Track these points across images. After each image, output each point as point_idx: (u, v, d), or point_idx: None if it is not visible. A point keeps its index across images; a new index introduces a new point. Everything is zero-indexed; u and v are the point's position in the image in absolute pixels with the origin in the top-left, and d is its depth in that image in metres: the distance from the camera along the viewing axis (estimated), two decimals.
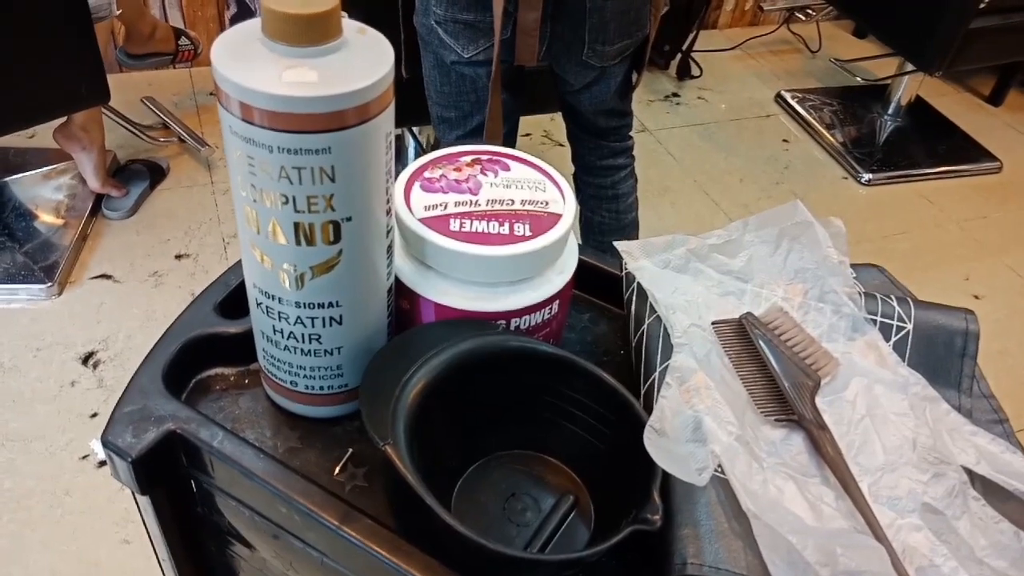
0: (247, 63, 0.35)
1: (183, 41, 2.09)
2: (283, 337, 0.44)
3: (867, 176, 2.17)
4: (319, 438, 0.47)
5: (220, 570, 0.56)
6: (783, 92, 2.44)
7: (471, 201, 0.47)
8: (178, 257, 1.73)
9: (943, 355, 0.49)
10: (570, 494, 0.45)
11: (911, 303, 0.51)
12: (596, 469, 0.45)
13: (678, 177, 2.11)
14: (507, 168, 0.49)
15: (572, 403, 0.46)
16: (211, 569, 0.56)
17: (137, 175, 1.90)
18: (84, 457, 1.36)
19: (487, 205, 0.46)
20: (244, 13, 1.89)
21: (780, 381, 0.46)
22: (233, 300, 0.52)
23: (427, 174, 0.48)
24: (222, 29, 2.26)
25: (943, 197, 2.16)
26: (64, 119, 1.71)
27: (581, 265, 0.50)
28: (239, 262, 0.53)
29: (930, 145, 2.33)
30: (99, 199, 1.84)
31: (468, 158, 0.50)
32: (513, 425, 0.47)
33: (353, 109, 0.35)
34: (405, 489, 0.38)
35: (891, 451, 0.44)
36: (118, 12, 1.67)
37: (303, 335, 0.43)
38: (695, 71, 2.47)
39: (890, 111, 2.40)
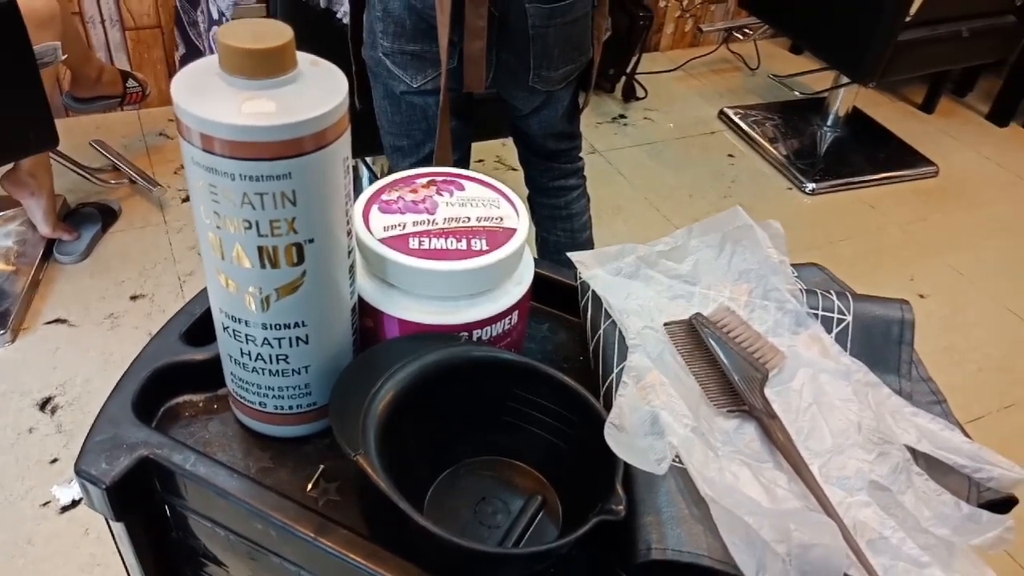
0: (207, 96, 0.37)
1: (130, 83, 2.08)
2: (251, 359, 0.45)
3: (811, 186, 2.23)
4: (290, 457, 0.49)
5: None
6: (726, 109, 2.51)
7: (428, 220, 0.48)
8: (133, 298, 1.72)
9: (882, 343, 0.52)
10: (538, 495, 0.47)
11: (850, 297, 0.54)
12: (561, 469, 0.47)
13: (629, 195, 2.15)
14: (462, 188, 0.51)
15: (535, 407, 0.47)
16: None
17: (88, 218, 1.89)
18: (45, 504, 1.34)
19: (444, 223, 0.48)
20: (193, 53, 1.89)
21: (730, 375, 0.49)
22: (199, 328, 0.53)
23: (384, 196, 0.50)
24: (169, 70, 2.26)
25: (884, 202, 2.24)
26: (11, 165, 1.69)
27: (538, 278, 0.52)
28: (202, 291, 0.55)
29: (869, 153, 2.41)
30: (50, 244, 1.82)
31: (424, 180, 0.52)
32: (480, 432, 0.48)
33: (311, 136, 0.37)
34: (378, 498, 0.40)
35: (838, 434, 0.47)
36: (64, 57, 1.67)
37: (271, 356, 0.45)
38: (640, 93, 2.53)
39: (829, 122, 2.48)
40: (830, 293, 0.54)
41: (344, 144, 0.39)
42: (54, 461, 1.41)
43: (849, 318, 0.53)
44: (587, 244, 1.45)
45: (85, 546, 1.28)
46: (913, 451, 0.47)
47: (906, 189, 2.30)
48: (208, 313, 0.53)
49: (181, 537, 0.50)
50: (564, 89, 1.22)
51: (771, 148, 2.36)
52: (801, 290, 0.54)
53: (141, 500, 0.47)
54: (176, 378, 0.51)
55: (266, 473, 0.47)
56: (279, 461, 0.48)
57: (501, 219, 0.49)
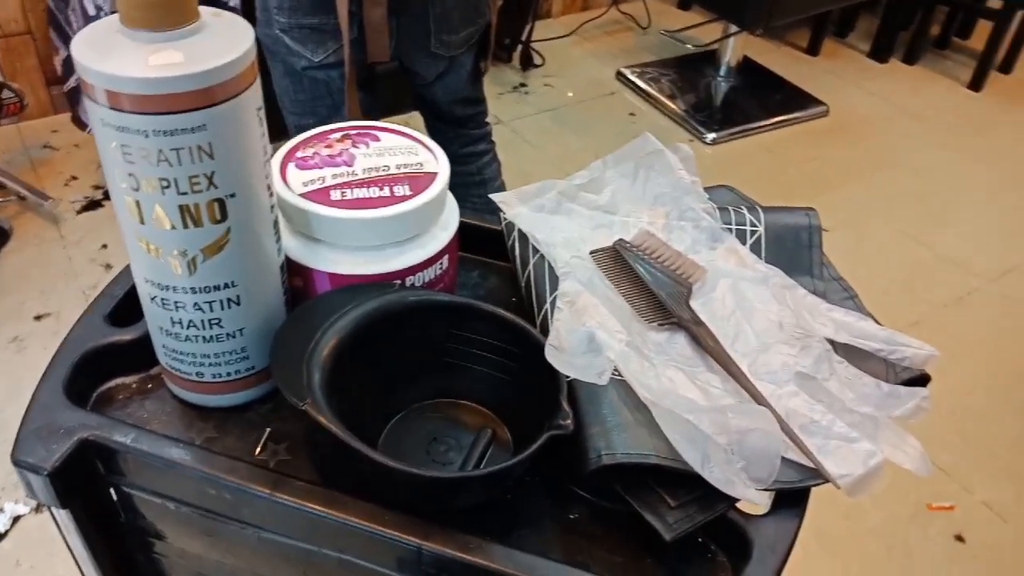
0: (111, 53, 0.36)
1: (6, 94, 1.98)
2: (183, 327, 0.44)
3: (711, 136, 2.30)
4: (234, 425, 0.48)
5: None
6: (622, 69, 2.55)
7: (348, 172, 0.48)
8: (38, 318, 1.65)
9: (793, 249, 0.55)
10: (487, 428, 0.48)
11: (760, 210, 0.57)
12: (507, 401, 0.48)
13: (538, 161, 2.17)
14: (377, 139, 0.51)
15: (476, 345, 0.48)
16: None
17: None
18: None
19: (364, 173, 0.48)
20: None
21: (658, 292, 0.51)
22: (123, 309, 0.52)
23: (299, 154, 0.50)
24: (47, 78, 2.16)
25: (781, 145, 2.32)
26: None
27: (463, 227, 0.53)
28: (122, 272, 0.54)
29: (762, 99, 2.49)
30: None
31: (338, 135, 0.51)
32: (424, 377, 0.49)
33: (222, 84, 0.37)
34: (332, 446, 0.40)
35: (762, 334, 0.49)
36: None
37: (203, 321, 0.44)
38: (537, 60, 2.55)
39: (722, 73, 2.55)
40: (741, 208, 0.57)
41: (256, 93, 0.39)
42: None
43: (761, 229, 0.55)
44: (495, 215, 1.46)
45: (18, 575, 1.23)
46: (832, 342, 0.50)
47: (800, 130, 2.39)
48: (131, 293, 0.52)
49: (130, 520, 0.49)
50: (466, 54, 1.22)
51: (670, 103, 2.42)
52: (714, 208, 0.56)
53: (85, 485, 0.46)
54: (105, 361, 0.50)
55: (211, 443, 0.47)
56: (223, 430, 0.48)
57: (421, 164, 0.50)
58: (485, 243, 0.60)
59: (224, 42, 0.37)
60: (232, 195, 0.40)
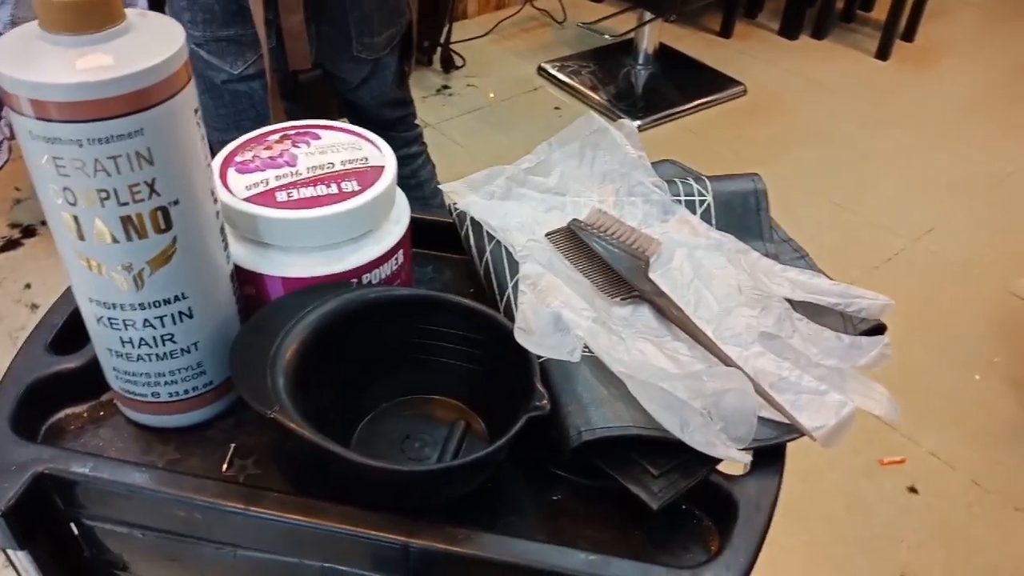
0: (33, 60, 0.34)
1: None
2: (133, 347, 0.43)
3: (635, 124, 2.32)
4: (196, 445, 0.46)
5: None
6: (543, 64, 2.56)
7: (292, 172, 0.47)
8: None
9: (742, 214, 0.55)
10: (461, 420, 0.47)
11: (706, 180, 0.57)
12: (479, 391, 0.48)
13: (468, 162, 2.16)
14: (317, 137, 0.50)
15: (441, 338, 0.47)
16: None
17: None
18: None
19: (309, 172, 0.47)
20: None
21: (616, 268, 0.51)
22: (64, 336, 0.49)
23: (238, 158, 0.48)
24: None
25: (704, 127, 2.36)
26: None
27: (416, 222, 0.52)
28: (59, 300, 0.51)
29: (682, 84, 2.53)
30: None
31: (276, 136, 0.50)
32: (391, 375, 0.48)
33: (156, 85, 0.35)
34: (304, 451, 0.39)
35: (722, 299, 0.49)
36: None
37: (155, 338, 0.42)
38: (458, 62, 2.54)
39: (641, 61, 2.58)
40: (688, 180, 0.57)
41: (192, 94, 0.38)
42: None
43: (709, 198, 0.56)
44: (441, 209, 1.45)
45: None
46: (791, 302, 0.50)
47: (721, 111, 2.44)
48: (71, 319, 0.50)
49: (95, 554, 0.47)
50: (389, 55, 1.21)
51: (593, 95, 2.44)
52: (662, 181, 0.56)
53: (43, 523, 0.43)
54: (52, 392, 0.47)
55: (175, 465, 0.45)
56: (186, 451, 0.46)
57: (366, 159, 0.48)
58: (435, 237, 0.59)
59: (154, 41, 0.36)
60: (175, 202, 0.38)
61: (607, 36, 2.67)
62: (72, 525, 0.45)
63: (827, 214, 2.05)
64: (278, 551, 0.43)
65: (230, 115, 1.14)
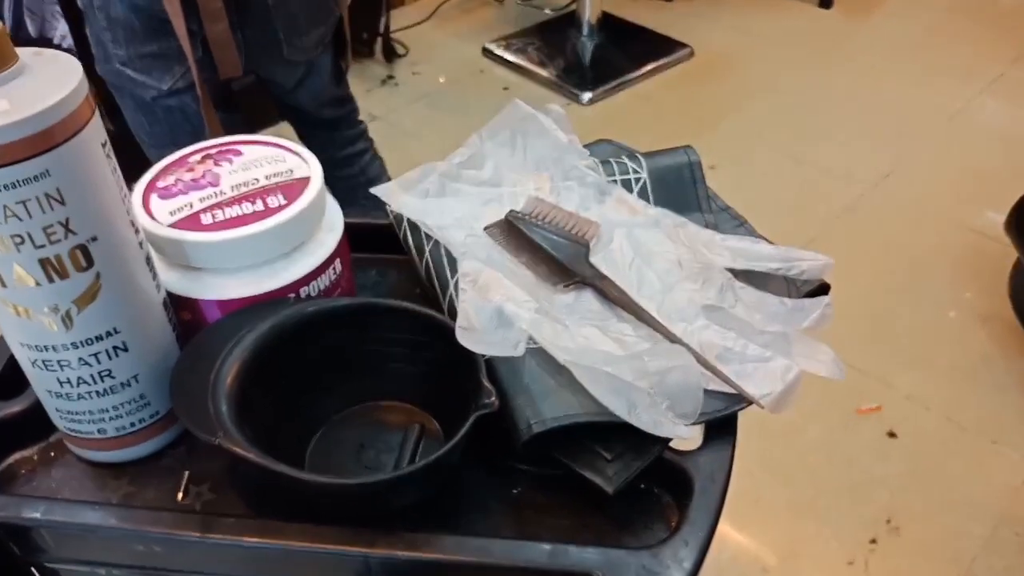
0: None
1: None
2: (72, 386, 0.42)
3: (587, 96, 2.32)
4: (150, 476, 0.46)
5: None
6: (487, 45, 2.54)
7: (215, 193, 0.46)
8: None
9: (678, 188, 0.55)
10: (415, 424, 0.47)
11: (640, 156, 0.57)
12: (430, 392, 0.47)
13: (421, 151, 2.15)
14: (240, 153, 0.49)
15: (385, 343, 0.47)
16: None
17: None
18: None
19: (233, 191, 0.46)
20: None
21: (556, 255, 0.50)
22: (5, 380, 0.48)
23: (160, 184, 0.47)
24: None
25: (656, 92, 2.36)
26: None
27: (351, 227, 0.51)
28: None
29: (629, 51, 2.52)
30: None
31: (197, 156, 0.49)
32: (341, 386, 0.48)
33: (58, 124, 0.35)
34: (256, 476, 0.39)
35: (664, 276, 0.50)
36: None
37: (92, 376, 0.42)
38: (401, 50, 2.51)
39: (585, 32, 2.57)
40: (622, 158, 0.57)
41: (97, 128, 0.37)
42: None
43: (644, 175, 0.56)
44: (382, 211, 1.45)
45: None
46: (732, 270, 0.50)
47: (671, 75, 2.44)
48: (10, 363, 0.49)
49: None
50: (323, 55, 1.19)
51: (541, 71, 2.43)
52: (596, 163, 0.56)
53: (3, 570, 0.43)
54: None
55: (130, 499, 0.45)
56: (140, 483, 0.46)
57: (291, 171, 0.48)
58: (377, 240, 0.59)
59: (51, 80, 0.35)
60: (94, 238, 0.38)
61: (547, 11, 2.65)
62: (32, 570, 0.45)
63: (783, 168, 2.06)
64: (242, 574, 0.42)
65: (165, 132, 1.12)
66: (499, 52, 2.51)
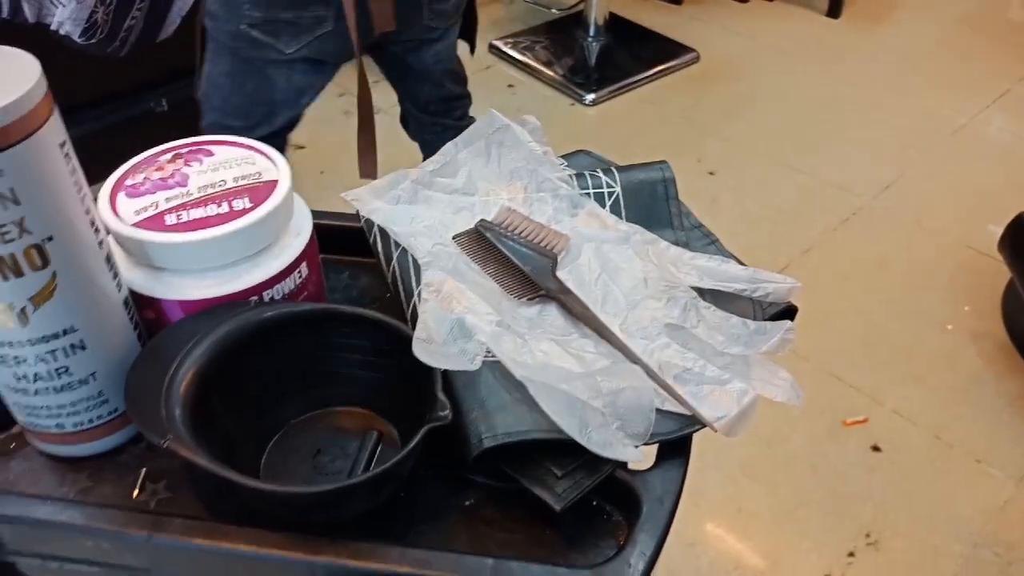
0: None
1: None
2: (29, 382, 0.42)
3: (590, 97, 2.32)
4: (108, 471, 0.46)
5: None
6: (495, 42, 2.54)
7: (182, 193, 0.46)
8: None
9: (651, 204, 0.55)
10: (372, 431, 0.47)
11: (615, 170, 0.57)
12: (389, 399, 0.48)
13: None
14: (210, 153, 0.49)
15: (345, 349, 0.47)
16: None
17: None
18: None
19: (199, 192, 0.46)
20: None
21: (523, 267, 0.50)
22: None
23: (129, 182, 0.47)
24: None
25: (660, 96, 2.36)
26: None
27: (324, 229, 0.51)
28: None
29: (635, 54, 2.52)
30: None
31: (168, 156, 0.49)
32: (299, 391, 0.48)
33: (13, 124, 0.35)
34: (209, 479, 0.39)
35: (629, 293, 0.50)
36: None
37: (49, 372, 0.42)
38: None
39: (592, 33, 2.56)
40: (597, 172, 0.57)
41: (55, 128, 0.37)
42: None
43: (618, 189, 0.56)
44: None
45: None
46: (699, 290, 0.50)
47: (676, 79, 2.43)
48: None
49: None
50: (456, 25, 1.25)
51: (546, 70, 2.42)
52: (570, 175, 0.56)
53: None
54: None
55: (87, 493, 0.45)
56: (98, 478, 0.46)
57: (259, 174, 0.48)
58: (350, 242, 0.59)
59: (7, 79, 0.35)
60: (50, 238, 0.38)
61: (554, 10, 2.64)
62: None
63: (783, 177, 2.06)
64: (190, 575, 0.43)
65: (244, 104, 1.15)
66: (506, 49, 2.51)
